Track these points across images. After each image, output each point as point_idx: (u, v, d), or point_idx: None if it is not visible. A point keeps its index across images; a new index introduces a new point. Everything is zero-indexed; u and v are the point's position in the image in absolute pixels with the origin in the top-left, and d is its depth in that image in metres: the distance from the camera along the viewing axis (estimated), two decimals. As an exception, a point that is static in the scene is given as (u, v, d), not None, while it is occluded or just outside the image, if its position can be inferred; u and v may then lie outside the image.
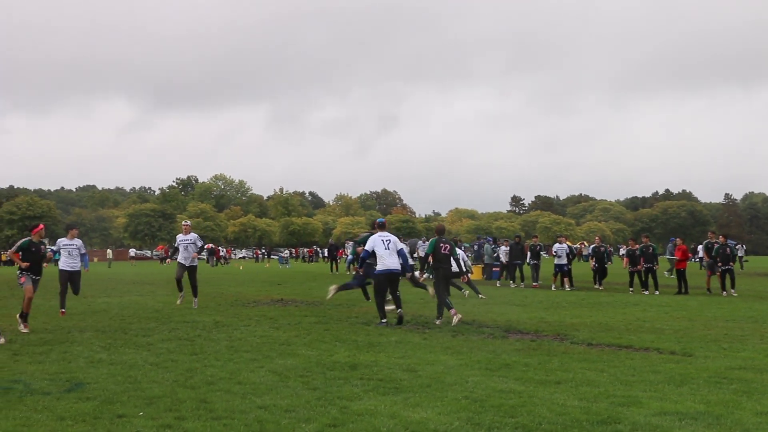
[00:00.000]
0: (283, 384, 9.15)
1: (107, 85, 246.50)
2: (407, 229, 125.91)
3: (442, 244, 16.70)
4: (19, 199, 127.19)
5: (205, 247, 18.76)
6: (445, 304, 16.28)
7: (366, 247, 16.56)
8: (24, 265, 14.67)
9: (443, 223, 17.80)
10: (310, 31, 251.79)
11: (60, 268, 17.45)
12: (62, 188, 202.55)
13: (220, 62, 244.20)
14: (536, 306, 20.69)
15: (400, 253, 16.31)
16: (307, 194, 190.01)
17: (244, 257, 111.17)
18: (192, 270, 19.81)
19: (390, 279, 16.13)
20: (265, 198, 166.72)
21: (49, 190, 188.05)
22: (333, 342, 12.94)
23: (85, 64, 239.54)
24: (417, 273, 20.32)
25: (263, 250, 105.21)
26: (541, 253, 33.78)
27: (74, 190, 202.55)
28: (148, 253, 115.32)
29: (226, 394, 8.50)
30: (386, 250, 16.03)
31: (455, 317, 15.83)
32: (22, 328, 14.54)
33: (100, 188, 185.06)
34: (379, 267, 16.08)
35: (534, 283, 30.34)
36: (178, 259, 19.93)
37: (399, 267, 16.24)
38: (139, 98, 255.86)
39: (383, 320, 15.78)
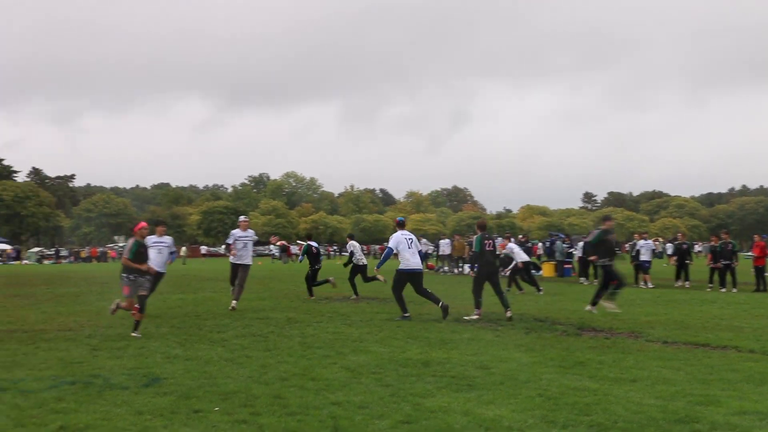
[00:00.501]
0: (356, 380, 9.17)
1: (183, 85, 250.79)
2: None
3: (486, 241, 16.71)
4: (96, 197, 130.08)
5: (278, 244, 18.33)
6: (476, 302, 16.44)
7: (389, 245, 16.67)
8: (144, 267, 13.81)
9: (484, 219, 17.76)
10: (382, 27, 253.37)
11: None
12: (137, 186, 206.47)
13: (293, 60, 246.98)
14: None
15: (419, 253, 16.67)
16: (378, 191, 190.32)
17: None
18: (245, 268, 18.65)
19: (412, 278, 16.33)
20: (335, 195, 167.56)
21: (124, 188, 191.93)
22: (405, 339, 12.94)
23: (162, 64, 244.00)
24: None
25: (335, 247, 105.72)
26: (616, 250, 33.23)
27: (149, 188, 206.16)
28: (221, 250, 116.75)
29: (299, 390, 8.56)
30: (409, 249, 16.30)
31: (475, 316, 16.08)
32: (135, 335, 13.42)
33: (174, 186, 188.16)
34: (402, 266, 16.34)
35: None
36: (231, 259, 18.83)
37: (421, 266, 16.60)
38: (213, 97, 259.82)
39: (406, 314, 16.02)
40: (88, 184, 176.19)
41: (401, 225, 16.98)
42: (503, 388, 8.67)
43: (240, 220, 19.50)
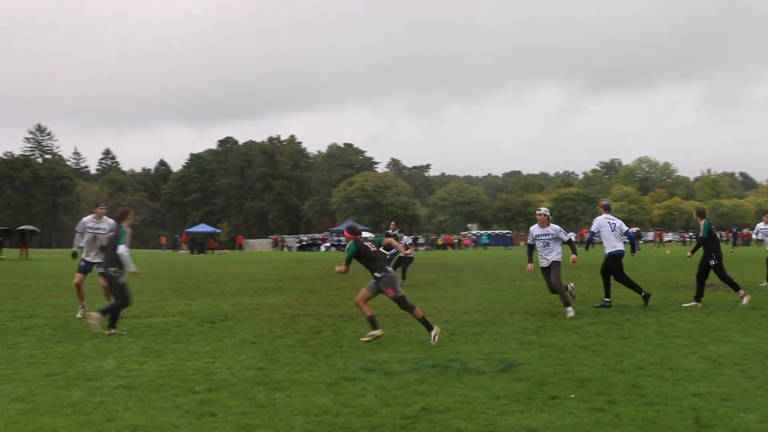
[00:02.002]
0: (717, 371, 8.74)
1: (541, 72, 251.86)
2: None
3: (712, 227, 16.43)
4: (450, 186, 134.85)
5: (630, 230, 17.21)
6: (733, 285, 16.43)
7: (592, 229, 16.71)
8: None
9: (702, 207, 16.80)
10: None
11: None
12: (489, 174, 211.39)
13: (654, 42, 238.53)
14: None
15: (626, 234, 16.48)
16: (737, 174, 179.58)
17: (670, 240, 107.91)
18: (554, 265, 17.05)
19: (615, 259, 16.25)
20: (691, 180, 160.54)
21: (477, 177, 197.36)
22: (772, 329, 12.12)
23: (519, 53, 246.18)
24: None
25: (690, 233, 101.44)
26: None
27: (500, 176, 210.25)
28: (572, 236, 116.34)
29: (657, 380, 8.31)
30: (612, 232, 16.25)
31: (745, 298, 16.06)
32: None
33: (524, 173, 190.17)
34: (608, 248, 16.28)
35: None
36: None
37: (623, 248, 16.51)
38: (571, 83, 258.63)
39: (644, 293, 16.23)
40: (443, 174, 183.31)
41: (607, 209, 16.79)
42: None
43: (538, 212, 16.99)
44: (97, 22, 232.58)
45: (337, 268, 11.72)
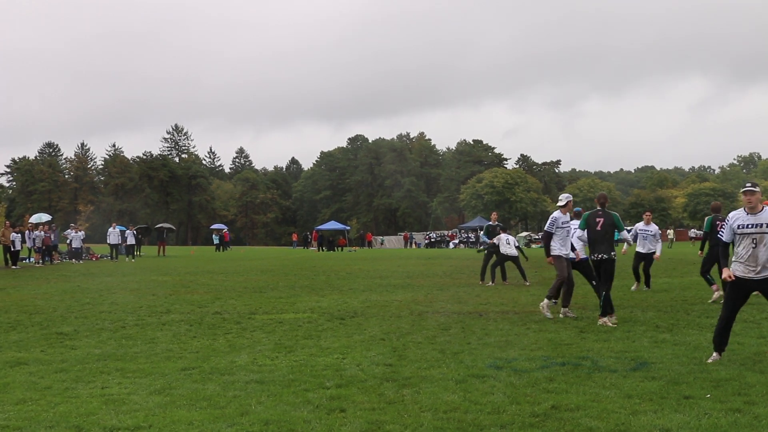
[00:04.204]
0: None
1: (684, 64, 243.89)
2: None
3: (718, 222, 15.86)
4: (581, 182, 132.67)
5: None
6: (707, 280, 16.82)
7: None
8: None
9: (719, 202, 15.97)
10: None
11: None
12: (621, 170, 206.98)
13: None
14: None
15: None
16: None
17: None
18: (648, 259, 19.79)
19: None
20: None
21: (608, 172, 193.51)
22: None
23: (663, 44, 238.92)
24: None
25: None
26: None
27: (633, 171, 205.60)
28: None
29: (799, 381, 7.98)
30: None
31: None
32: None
33: (658, 168, 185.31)
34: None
35: None
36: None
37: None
38: (715, 74, 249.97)
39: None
40: (573, 169, 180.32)
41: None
42: None
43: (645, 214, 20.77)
44: (236, 25, 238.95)
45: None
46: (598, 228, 13.21)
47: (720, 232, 9.51)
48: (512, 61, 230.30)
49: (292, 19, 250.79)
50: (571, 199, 14.39)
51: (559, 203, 14.34)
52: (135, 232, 48.25)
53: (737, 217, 9.17)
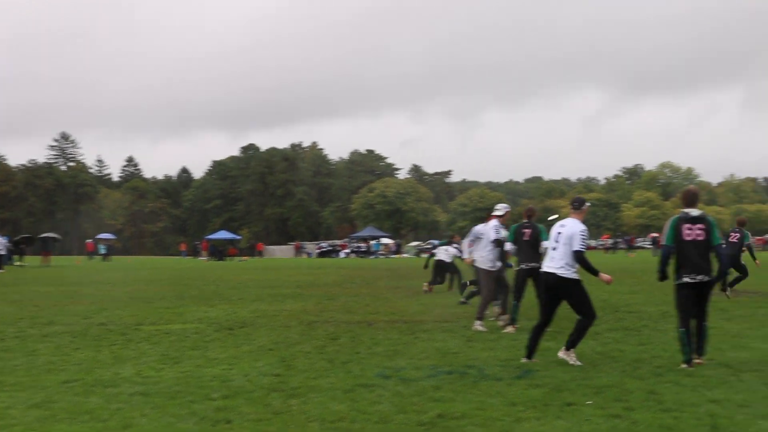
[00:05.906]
0: (735, 378, 8.70)
1: (578, 76, 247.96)
2: None
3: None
4: (471, 192, 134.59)
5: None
6: None
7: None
8: None
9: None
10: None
11: None
12: (510, 180, 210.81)
13: (689, 46, 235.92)
14: None
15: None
16: (761, 180, 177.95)
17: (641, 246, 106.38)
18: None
19: None
20: (713, 185, 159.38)
21: (498, 183, 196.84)
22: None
23: (561, 57, 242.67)
24: None
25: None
26: None
27: (521, 181, 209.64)
28: (592, 243, 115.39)
29: (675, 386, 8.27)
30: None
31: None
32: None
33: (546, 179, 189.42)
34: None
35: None
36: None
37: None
38: (609, 87, 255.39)
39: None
40: (464, 180, 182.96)
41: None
42: None
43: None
44: (129, 31, 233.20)
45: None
46: (526, 238, 13.80)
47: None
48: (415, 72, 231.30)
49: (199, 22, 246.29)
50: (509, 209, 15.22)
51: (497, 212, 14.88)
52: (7, 241, 46.46)
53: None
